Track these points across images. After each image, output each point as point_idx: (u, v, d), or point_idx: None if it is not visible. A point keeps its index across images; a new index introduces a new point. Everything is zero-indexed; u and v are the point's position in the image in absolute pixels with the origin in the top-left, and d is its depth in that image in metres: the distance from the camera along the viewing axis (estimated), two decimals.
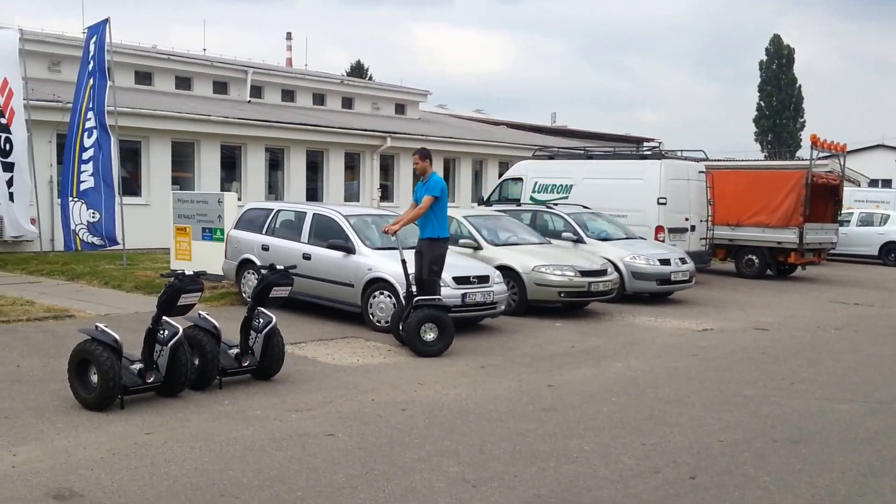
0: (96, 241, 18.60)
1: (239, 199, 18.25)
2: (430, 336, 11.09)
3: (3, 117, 18.70)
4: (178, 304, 8.39)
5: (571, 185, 20.71)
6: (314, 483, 6.35)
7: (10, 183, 18.94)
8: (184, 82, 30.54)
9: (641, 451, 7.35)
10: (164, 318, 8.45)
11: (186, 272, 8.51)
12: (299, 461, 6.84)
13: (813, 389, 9.92)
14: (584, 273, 14.82)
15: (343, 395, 8.99)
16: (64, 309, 13.23)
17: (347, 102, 35.79)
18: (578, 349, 12.14)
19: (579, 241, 17.18)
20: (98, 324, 8.34)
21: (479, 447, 7.36)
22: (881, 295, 20.10)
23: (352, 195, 29.96)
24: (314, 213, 14.28)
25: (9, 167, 18.87)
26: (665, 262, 17.07)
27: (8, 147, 18.77)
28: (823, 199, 23.25)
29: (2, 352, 10.33)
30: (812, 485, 6.57)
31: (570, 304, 15.21)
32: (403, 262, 10.99)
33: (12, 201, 19.09)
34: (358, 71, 64.96)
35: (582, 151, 22.83)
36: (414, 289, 11.40)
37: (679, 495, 6.30)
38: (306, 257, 13.59)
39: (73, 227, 18.73)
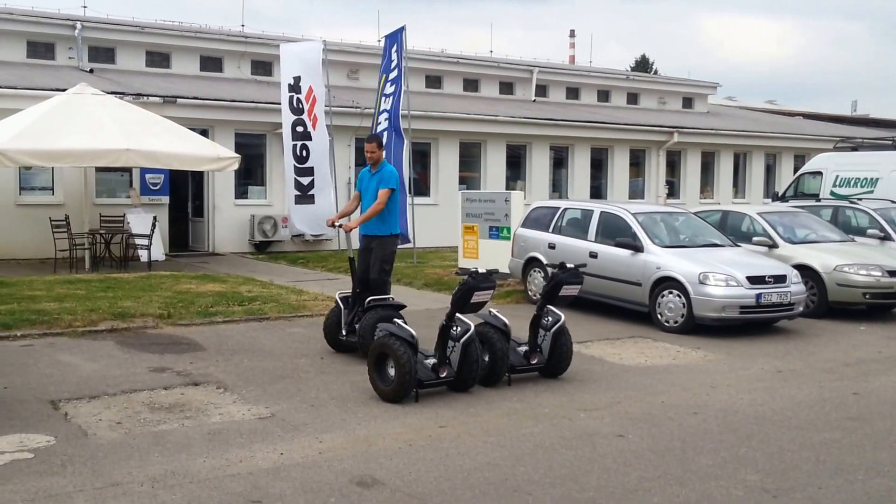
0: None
1: (524, 197, 18.41)
2: None
3: (307, 124, 19.94)
4: (472, 301, 8.54)
5: (877, 179, 19.26)
6: (605, 483, 6.26)
7: (310, 185, 20.15)
8: (471, 84, 31.30)
9: None
10: (458, 314, 8.63)
11: (480, 270, 8.65)
12: (590, 461, 6.76)
13: None
14: (893, 273, 13.75)
15: (632, 396, 8.82)
16: None
17: (632, 98, 35.31)
18: (887, 355, 11.25)
19: (886, 238, 15.90)
20: (395, 319, 8.65)
21: (778, 456, 6.97)
22: None
23: (636, 192, 29.53)
24: (601, 211, 14.15)
25: (308, 171, 20.07)
26: None
27: (304, 153, 19.96)
28: None
29: (307, 344, 10.94)
30: None
31: (877, 307, 14.16)
32: (351, 259, 10.27)
33: (313, 203, 20.30)
34: (643, 65, 64.08)
35: (889, 142, 21.20)
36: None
37: None
38: (593, 255, 13.49)
39: None
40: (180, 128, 18.09)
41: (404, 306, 10.17)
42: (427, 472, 6.40)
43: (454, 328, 8.61)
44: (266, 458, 6.66)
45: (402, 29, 19.39)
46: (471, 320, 8.75)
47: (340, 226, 10.38)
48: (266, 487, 6.05)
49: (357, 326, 10.00)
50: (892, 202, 17.52)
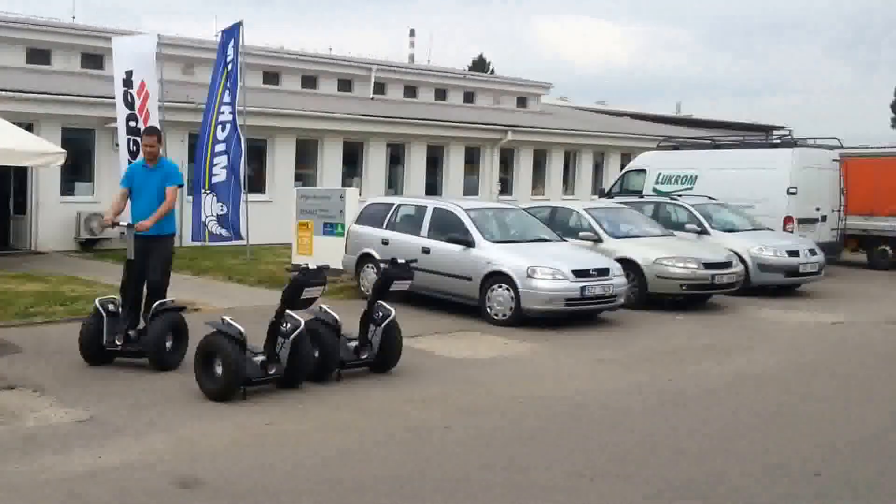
0: (224, 233, 19.12)
1: (360, 194, 18.48)
2: (168, 344, 9.54)
3: (139, 119, 19.39)
4: (302, 297, 8.51)
5: (697, 176, 20.25)
6: (431, 475, 6.37)
7: None
8: (309, 81, 31.05)
9: (765, 447, 7.13)
10: (288, 311, 8.60)
11: (310, 266, 8.63)
12: (416, 453, 6.88)
13: None
14: (708, 265, 14.49)
15: (459, 389, 9.00)
16: (191, 302, 13.55)
17: (469, 97, 35.83)
18: (700, 343, 11.87)
19: (703, 232, 16.81)
20: (224, 317, 8.55)
21: (597, 441, 7.28)
22: None
23: (471, 189, 29.99)
24: (434, 207, 14.35)
25: None
26: (793, 253, 16.58)
27: (136, 148, 19.43)
28: None
29: None
30: None
31: (693, 297, 14.89)
32: (130, 262, 9.63)
33: None
34: (480, 65, 64.90)
35: (709, 141, 22.32)
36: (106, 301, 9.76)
37: (803, 496, 6.13)
38: (425, 251, 13.65)
39: (203, 219, 19.26)
40: (1, 121, 17.29)
41: (185, 308, 10.06)
42: (252, 471, 6.35)
43: (284, 325, 8.57)
44: (83, 462, 6.46)
45: (240, 24, 19.12)
46: (302, 317, 8.74)
47: (131, 225, 9.62)
48: (82, 493, 5.87)
49: (132, 333, 9.55)
50: (710, 198, 18.45)
